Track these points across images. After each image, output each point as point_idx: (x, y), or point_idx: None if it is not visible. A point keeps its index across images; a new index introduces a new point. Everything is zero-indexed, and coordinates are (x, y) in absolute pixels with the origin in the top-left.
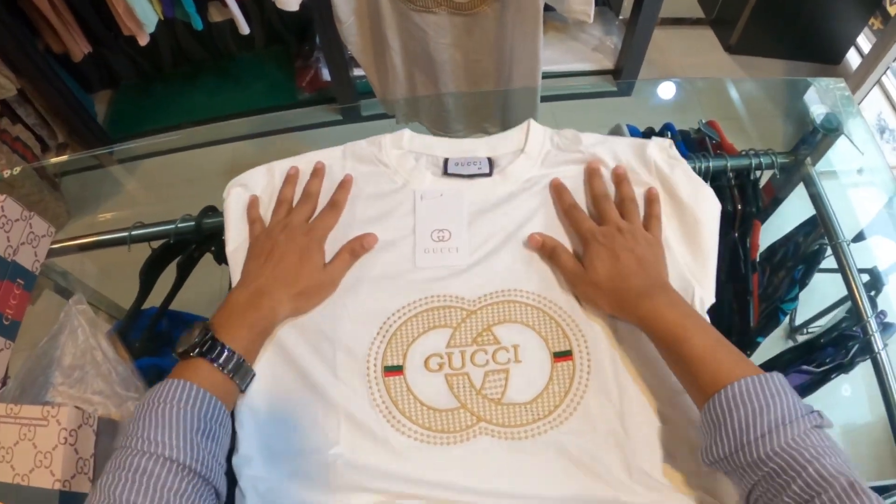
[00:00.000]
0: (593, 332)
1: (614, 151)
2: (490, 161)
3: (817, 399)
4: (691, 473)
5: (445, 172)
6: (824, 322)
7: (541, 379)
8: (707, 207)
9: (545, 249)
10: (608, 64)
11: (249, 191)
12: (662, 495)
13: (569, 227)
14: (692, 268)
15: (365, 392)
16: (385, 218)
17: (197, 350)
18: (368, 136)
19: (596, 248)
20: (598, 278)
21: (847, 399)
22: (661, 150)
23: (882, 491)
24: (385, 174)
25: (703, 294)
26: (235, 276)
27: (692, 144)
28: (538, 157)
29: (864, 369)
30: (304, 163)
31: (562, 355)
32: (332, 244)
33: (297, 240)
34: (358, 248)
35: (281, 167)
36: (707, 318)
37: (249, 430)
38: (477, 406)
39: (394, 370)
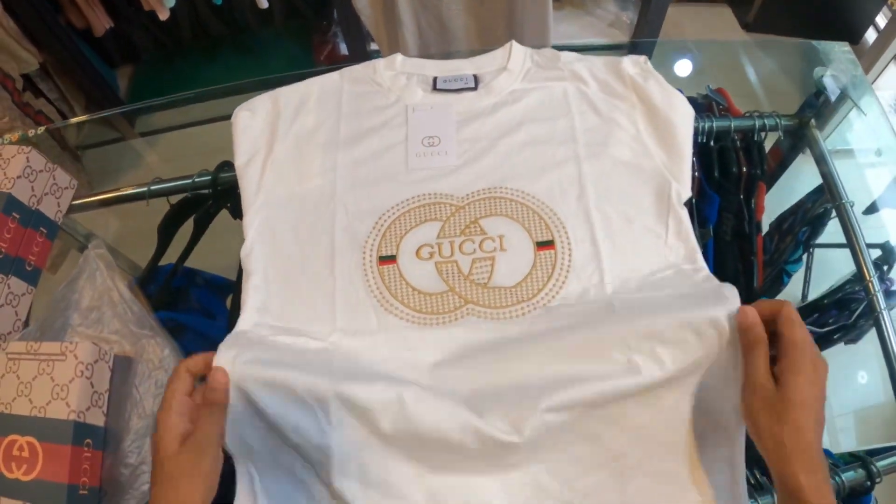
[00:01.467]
0: (574, 223)
1: (591, 68)
2: (475, 77)
3: (833, 379)
4: (677, 341)
5: (435, 88)
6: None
7: (525, 265)
8: (679, 111)
9: (751, 333)
10: (624, 39)
11: (255, 115)
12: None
13: (540, 146)
14: (668, 166)
15: (360, 280)
16: (380, 129)
17: None
18: None
19: (808, 366)
20: (787, 410)
21: (861, 380)
22: (636, 65)
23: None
24: (379, 92)
25: (680, 189)
26: (245, 191)
27: (699, 109)
28: (520, 73)
29: (877, 348)
30: (305, 87)
31: (544, 244)
32: (330, 165)
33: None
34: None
35: (285, 94)
36: (688, 217)
37: (250, 317)
38: (464, 289)
39: (388, 259)
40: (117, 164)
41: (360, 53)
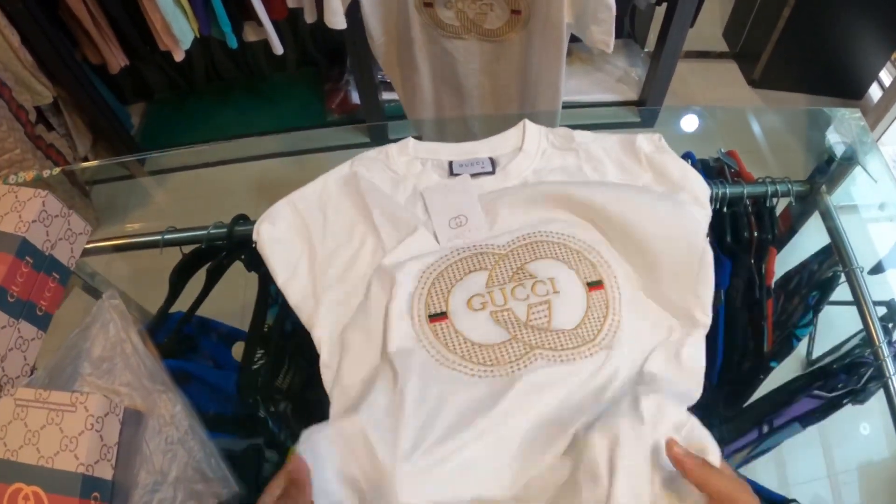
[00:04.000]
0: (617, 261)
1: (605, 147)
2: (492, 161)
3: (837, 434)
4: None
5: (452, 174)
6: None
7: (580, 307)
8: (696, 186)
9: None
10: (632, 95)
11: (276, 225)
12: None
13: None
14: None
15: (414, 344)
16: (402, 225)
17: None
18: None
19: None
20: None
21: (865, 437)
22: (650, 143)
23: None
24: (395, 179)
25: None
26: (300, 309)
27: (711, 173)
28: (536, 154)
29: (882, 404)
30: (320, 185)
31: (594, 285)
32: (350, 260)
33: None
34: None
35: (301, 196)
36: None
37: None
38: (528, 336)
39: (438, 317)
40: (125, 201)
41: (372, 103)
